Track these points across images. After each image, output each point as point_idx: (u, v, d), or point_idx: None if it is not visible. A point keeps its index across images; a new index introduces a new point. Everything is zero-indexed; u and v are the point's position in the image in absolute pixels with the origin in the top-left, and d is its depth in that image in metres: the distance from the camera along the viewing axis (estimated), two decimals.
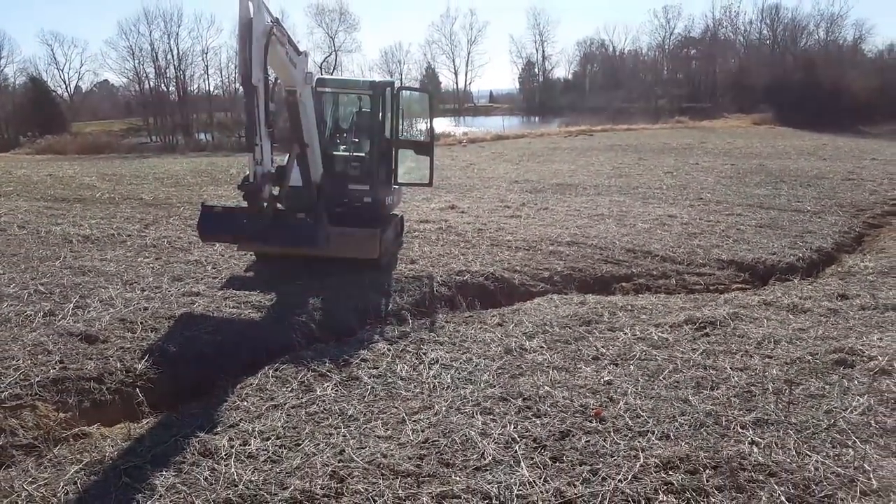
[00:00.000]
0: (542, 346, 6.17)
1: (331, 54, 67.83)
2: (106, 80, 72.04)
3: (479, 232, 10.93)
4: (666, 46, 72.68)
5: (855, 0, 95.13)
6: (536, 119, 67.56)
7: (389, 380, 5.46)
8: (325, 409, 4.95)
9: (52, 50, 77.01)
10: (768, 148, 26.84)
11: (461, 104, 78.35)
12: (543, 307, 7.48)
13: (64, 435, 4.60)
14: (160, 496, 3.83)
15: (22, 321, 6.36)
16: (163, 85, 60.64)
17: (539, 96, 77.93)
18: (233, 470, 4.07)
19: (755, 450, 4.21)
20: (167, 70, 60.07)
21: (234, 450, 4.31)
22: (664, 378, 5.38)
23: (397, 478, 4.00)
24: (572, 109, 60.89)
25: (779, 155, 24.09)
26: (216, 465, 4.14)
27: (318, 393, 5.21)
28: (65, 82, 67.36)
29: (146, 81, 60.93)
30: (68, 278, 7.82)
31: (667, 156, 23.89)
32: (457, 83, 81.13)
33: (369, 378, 5.49)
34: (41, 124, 45.82)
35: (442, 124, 48.16)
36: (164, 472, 4.06)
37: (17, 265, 8.45)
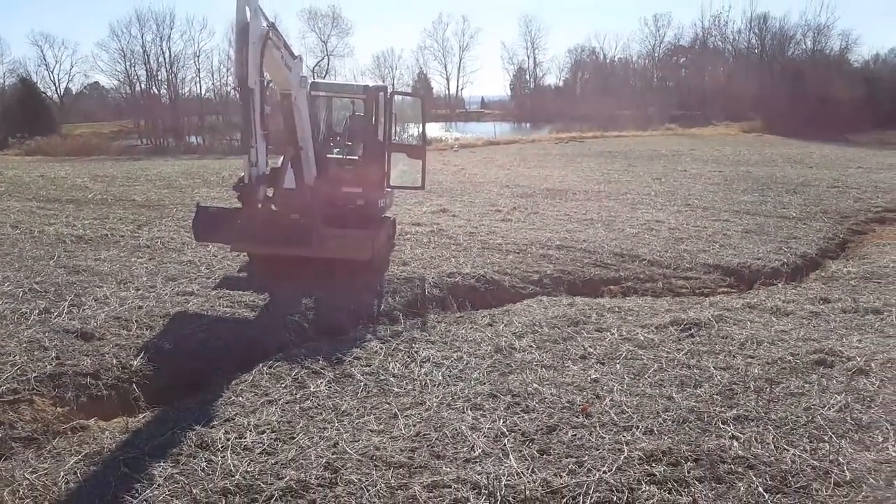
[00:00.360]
0: (531, 346, 6.30)
1: (323, 58, 68.06)
2: (97, 82, 71.90)
3: (471, 235, 11.07)
4: (656, 54, 73.64)
5: (842, 10, 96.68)
6: (527, 125, 67.96)
7: (382, 377, 5.57)
8: (318, 404, 5.06)
9: (42, 51, 76.51)
10: (756, 155, 27.19)
11: (453, 110, 78.78)
12: (533, 308, 7.62)
13: (62, 428, 4.67)
14: (159, 486, 3.92)
15: (17, 318, 6.42)
16: (154, 87, 60.69)
17: (530, 103, 78.42)
18: (229, 461, 4.17)
19: (735, 444, 4.36)
20: (159, 73, 60.17)
21: (230, 442, 4.41)
22: (649, 376, 5.53)
23: (390, 469, 4.12)
24: (563, 116, 61.34)
25: (766, 162, 24.42)
26: (213, 457, 4.24)
27: (311, 389, 5.32)
28: (55, 84, 67.13)
29: (137, 84, 60.99)
30: (63, 277, 7.88)
31: (656, 162, 24.17)
32: (448, 89, 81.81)
33: (362, 375, 5.60)
34: (30, 126, 45.61)
35: (434, 129, 48.40)
36: (162, 464, 4.15)
37: (11, 264, 8.50)
